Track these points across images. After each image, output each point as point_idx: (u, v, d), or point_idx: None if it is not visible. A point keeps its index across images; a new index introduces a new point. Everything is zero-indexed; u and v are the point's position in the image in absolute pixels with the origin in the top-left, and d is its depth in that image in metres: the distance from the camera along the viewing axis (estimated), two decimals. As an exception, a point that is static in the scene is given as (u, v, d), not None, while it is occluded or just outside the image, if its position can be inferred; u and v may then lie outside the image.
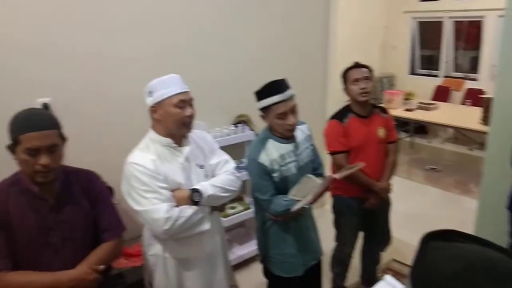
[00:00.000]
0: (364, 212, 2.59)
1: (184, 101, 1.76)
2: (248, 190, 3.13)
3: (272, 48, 3.43)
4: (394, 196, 2.70)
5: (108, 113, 2.61)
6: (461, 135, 6.21)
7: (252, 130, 3.22)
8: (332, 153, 2.51)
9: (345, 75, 2.49)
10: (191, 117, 1.79)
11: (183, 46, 2.88)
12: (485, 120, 4.53)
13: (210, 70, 3.06)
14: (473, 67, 6.51)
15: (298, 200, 1.90)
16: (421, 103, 5.73)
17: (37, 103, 2.27)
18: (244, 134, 3.20)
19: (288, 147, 1.98)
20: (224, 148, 2.11)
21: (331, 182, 1.95)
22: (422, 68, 7.28)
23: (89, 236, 1.68)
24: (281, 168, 1.96)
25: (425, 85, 6.79)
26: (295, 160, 1.99)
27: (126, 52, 2.62)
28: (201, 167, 1.89)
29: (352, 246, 2.71)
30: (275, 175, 1.96)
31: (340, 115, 2.50)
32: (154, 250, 1.89)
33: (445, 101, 6.32)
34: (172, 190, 1.76)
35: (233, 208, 3.15)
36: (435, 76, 6.97)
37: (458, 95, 6.47)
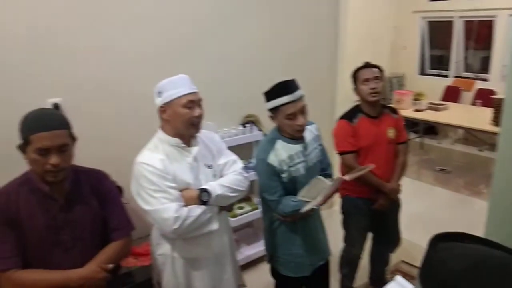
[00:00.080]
0: (373, 213, 2.57)
1: (193, 102, 1.76)
2: (256, 190, 3.13)
3: (281, 48, 3.43)
4: (403, 197, 2.68)
5: (118, 113, 2.63)
6: (471, 136, 6.16)
7: (260, 130, 3.22)
8: (341, 153, 2.50)
9: (356, 75, 2.48)
10: (199, 117, 1.80)
11: (192, 46, 2.89)
12: (496, 120, 4.49)
13: (219, 70, 3.07)
14: (484, 67, 6.45)
15: (307, 201, 1.90)
16: (431, 103, 5.68)
17: (48, 103, 2.30)
18: (252, 134, 3.20)
19: (297, 147, 1.98)
20: (232, 148, 2.12)
21: (340, 183, 1.95)
22: (432, 68, 7.23)
23: (98, 235, 1.69)
24: (289, 168, 1.95)
25: (435, 85, 6.73)
26: (303, 160, 1.99)
27: (135, 53, 2.63)
28: (209, 167, 1.90)
29: (360, 247, 2.70)
30: (283, 175, 1.95)
31: (349, 115, 2.49)
32: (163, 250, 1.90)
33: (455, 102, 6.27)
34: (181, 190, 1.77)
35: (241, 208, 3.15)
36: (445, 76, 6.92)
37: (468, 96, 6.41)
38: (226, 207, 1.95)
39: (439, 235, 0.87)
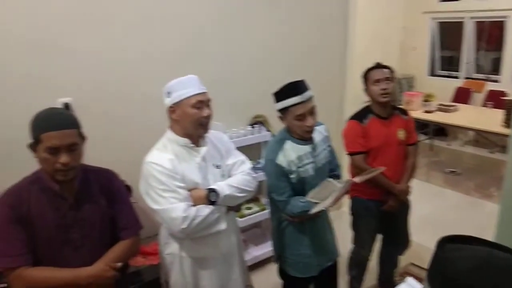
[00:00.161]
0: (382, 215, 2.56)
1: (202, 102, 1.77)
2: (264, 190, 3.13)
3: (290, 48, 3.42)
4: (412, 199, 2.66)
5: (127, 113, 2.64)
6: (482, 138, 6.10)
7: (269, 130, 3.22)
8: (351, 154, 2.48)
9: (366, 75, 2.46)
10: (208, 117, 1.80)
11: (201, 46, 2.90)
12: (507, 122, 4.45)
13: (227, 71, 3.07)
14: (495, 68, 6.39)
15: (316, 203, 1.90)
16: (441, 104, 5.63)
17: (58, 103, 2.32)
18: (261, 135, 3.20)
19: (306, 148, 1.97)
20: (241, 149, 2.12)
21: (350, 185, 1.94)
22: (442, 69, 7.17)
23: (107, 234, 1.70)
24: (298, 169, 1.95)
25: (445, 87, 6.67)
26: (312, 161, 1.98)
27: (144, 53, 2.65)
28: (218, 167, 1.90)
29: (369, 249, 2.68)
30: (292, 176, 1.95)
31: (360, 116, 2.48)
32: (171, 249, 1.91)
33: (466, 103, 6.20)
34: (189, 190, 1.77)
35: (249, 208, 3.15)
36: (456, 77, 6.86)
37: (479, 97, 6.34)
38: (234, 207, 1.95)
39: (447, 237, 0.90)
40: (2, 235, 1.52)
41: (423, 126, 5.99)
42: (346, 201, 2.75)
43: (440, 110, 5.53)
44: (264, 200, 3.25)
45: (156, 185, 1.71)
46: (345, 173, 2.55)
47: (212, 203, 1.77)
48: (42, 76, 2.31)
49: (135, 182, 1.90)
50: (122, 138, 2.63)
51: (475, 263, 0.79)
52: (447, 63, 7.09)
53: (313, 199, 1.91)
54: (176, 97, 1.75)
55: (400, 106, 2.76)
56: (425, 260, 0.96)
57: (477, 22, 6.42)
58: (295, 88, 1.87)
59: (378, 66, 2.45)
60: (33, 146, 1.50)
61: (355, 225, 2.68)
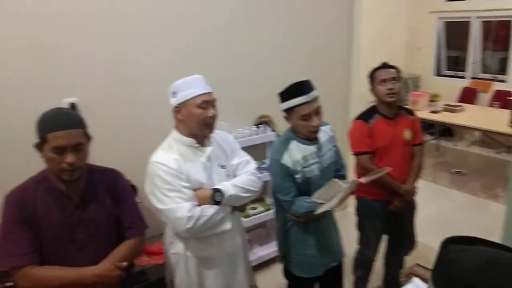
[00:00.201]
0: (388, 215, 2.55)
1: (207, 102, 1.77)
2: (269, 190, 3.13)
3: (295, 48, 3.42)
4: (418, 200, 2.65)
5: (133, 113, 2.65)
6: (488, 138, 6.06)
7: (274, 131, 3.22)
8: (357, 154, 2.48)
9: (373, 75, 2.46)
10: (213, 117, 1.80)
11: (205, 46, 2.90)
12: (514, 122, 4.41)
13: (233, 71, 3.07)
14: (502, 68, 6.35)
15: (321, 203, 1.89)
16: (447, 105, 5.60)
17: (64, 103, 2.33)
18: (266, 135, 3.20)
19: (311, 148, 1.97)
20: (246, 149, 2.12)
21: (356, 186, 1.93)
22: (448, 69, 7.13)
23: (112, 233, 1.71)
24: (303, 169, 1.94)
25: (451, 87, 6.63)
26: (318, 161, 1.98)
27: (149, 53, 2.65)
28: (223, 167, 1.90)
29: (375, 250, 2.67)
30: (297, 176, 1.95)
31: (365, 116, 2.47)
32: (176, 249, 1.91)
33: (472, 103, 6.17)
34: (194, 190, 1.78)
35: (254, 208, 3.15)
36: (462, 77, 6.82)
37: (485, 97, 6.30)
38: (239, 208, 1.95)
39: (451, 238, 0.90)
40: (8, 234, 1.53)
41: (429, 126, 5.96)
42: (352, 202, 2.74)
43: (446, 110, 5.50)
44: (269, 200, 3.25)
45: (161, 185, 1.72)
46: (351, 173, 2.54)
47: (217, 203, 1.77)
48: (48, 76, 2.32)
49: (141, 182, 1.90)
50: (128, 138, 2.64)
51: (480, 263, 0.79)
52: (453, 63, 7.05)
53: (318, 199, 1.91)
54: (181, 97, 1.76)
55: (406, 106, 2.74)
56: (431, 261, 0.96)
57: (484, 21, 6.39)
58: (301, 88, 1.86)
59: (385, 66, 2.44)
60: (39, 146, 1.51)
61: (361, 226, 2.67)
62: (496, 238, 0.90)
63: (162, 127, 1.94)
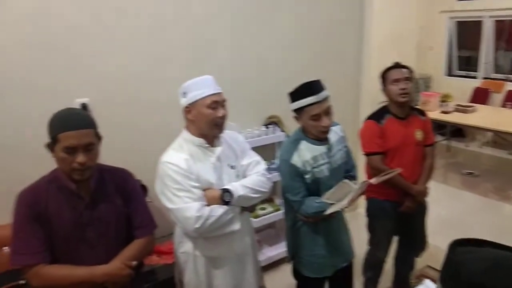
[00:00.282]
0: (399, 216, 2.52)
1: (217, 102, 1.77)
2: (278, 191, 3.13)
3: (304, 48, 3.41)
4: (429, 201, 2.62)
5: (143, 113, 2.66)
6: (501, 139, 5.98)
7: (283, 131, 3.21)
8: (368, 154, 2.46)
9: (385, 75, 2.44)
10: (223, 118, 1.81)
11: (215, 47, 2.91)
12: (527, 123, 4.36)
13: (242, 71, 3.07)
14: (515, 68, 6.27)
15: (331, 204, 1.89)
16: (458, 105, 5.54)
17: (76, 103, 2.35)
18: (275, 135, 3.20)
19: (321, 148, 1.96)
20: (255, 149, 2.12)
21: (366, 187, 1.92)
22: (460, 69, 7.06)
23: (122, 232, 1.72)
24: (313, 169, 1.94)
25: (463, 87, 6.57)
26: (327, 162, 1.97)
27: (159, 53, 2.67)
28: (233, 167, 1.90)
29: (386, 251, 2.65)
30: (307, 176, 1.94)
31: (377, 116, 2.46)
32: (185, 248, 1.92)
33: (484, 104, 6.10)
34: (204, 190, 1.78)
35: (263, 209, 3.15)
36: (474, 77, 6.74)
37: (498, 97, 6.23)
38: (248, 208, 1.95)
39: (458, 240, 0.92)
40: (20, 233, 1.54)
41: (440, 127, 5.90)
42: (362, 202, 2.72)
43: (457, 110, 5.43)
44: (278, 200, 3.25)
45: (171, 185, 1.73)
46: (361, 174, 2.53)
47: (226, 203, 1.77)
48: (60, 77, 2.34)
49: (151, 181, 1.91)
50: (138, 138, 2.65)
51: (487, 264, 0.80)
52: (465, 63, 6.98)
53: (328, 200, 1.90)
54: (191, 97, 1.76)
55: (417, 107, 2.72)
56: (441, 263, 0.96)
57: (496, 21, 6.31)
58: (311, 88, 1.86)
59: (397, 65, 2.42)
60: (51, 146, 1.52)
61: (371, 227, 2.66)
62: (508, 240, 0.90)
63: (172, 127, 1.94)
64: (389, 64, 2.47)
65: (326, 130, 1.91)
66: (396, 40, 5.97)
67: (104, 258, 1.62)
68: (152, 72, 2.65)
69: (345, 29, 3.68)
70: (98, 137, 1.61)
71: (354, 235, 2.28)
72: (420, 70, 6.76)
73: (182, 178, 1.72)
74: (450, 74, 7.08)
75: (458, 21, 6.76)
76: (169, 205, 1.74)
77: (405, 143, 2.42)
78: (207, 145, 1.83)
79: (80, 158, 1.50)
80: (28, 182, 1.62)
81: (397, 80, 2.36)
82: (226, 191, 1.78)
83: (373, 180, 1.93)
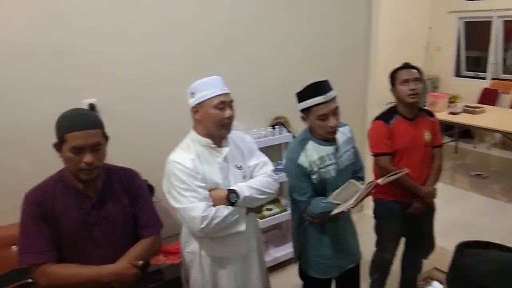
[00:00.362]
0: (407, 217, 2.50)
1: (224, 103, 1.77)
2: (284, 192, 3.12)
3: (311, 49, 3.40)
4: (437, 203, 2.60)
5: (150, 113, 2.67)
6: (509, 140, 5.92)
7: (290, 132, 3.21)
8: (376, 155, 2.45)
9: (394, 75, 2.42)
10: (230, 118, 1.81)
11: (222, 47, 2.91)
12: (537, 124, 4.31)
13: (248, 71, 3.08)
14: (525, 69, 6.21)
15: (337, 204, 1.88)
16: (466, 106, 5.48)
17: (83, 103, 2.36)
18: (282, 136, 3.19)
19: (328, 149, 1.95)
20: (261, 150, 2.11)
21: (373, 187, 1.91)
22: (468, 70, 7.00)
23: (129, 232, 1.72)
24: (320, 170, 1.93)
25: (471, 88, 6.51)
26: (334, 162, 1.96)
27: (166, 54, 2.67)
28: (240, 168, 1.90)
29: (393, 253, 2.63)
30: (313, 177, 1.93)
31: (386, 116, 2.44)
32: (191, 247, 1.92)
33: (493, 105, 6.04)
34: (210, 190, 1.78)
35: (269, 209, 3.15)
36: (482, 78, 6.68)
37: (507, 98, 6.16)
38: (255, 209, 1.95)
39: (465, 242, 0.91)
40: (27, 232, 1.56)
41: (448, 128, 5.86)
42: (369, 204, 2.71)
43: (465, 111, 5.38)
44: (284, 201, 3.24)
45: (177, 184, 1.73)
46: (369, 175, 2.52)
47: (232, 204, 1.78)
48: (68, 78, 2.36)
49: (157, 181, 1.92)
50: (145, 138, 2.66)
51: (494, 267, 0.79)
52: (474, 63, 6.92)
53: (335, 200, 1.89)
54: (199, 97, 1.77)
55: (425, 108, 2.70)
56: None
57: (505, 21, 6.25)
58: (319, 88, 1.85)
59: (407, 66, 2.41)
60: (58, 146, 1.53)
61: (379, 228, 2.64)
62: (516, 242, 0.90)
63: (179, 127, 1.95)
64: (396, 65, 2.45)
65: (333, 131, 1.90)
66: (404, 41, 5.96)
67: (110, 257, 1.63)
68: (159, 72, 2.66)
69: (352, 29, 3.67)
70: (105, 137, 1.62)
71: (361, 236, 2.27)
72: (428, 70, 6.73)
73: (188, 177, 1.73)
74: (458, 74, 7.03)
75: (467, 22, 6.70)
76: (175, 204, 1.75)
77: (413, 144, 2.40)
78: (214, 145, 1.83)
79: (87, 158, 1.51)
80: (36, 182, 1.63)
81: (407, 81, 2.35)
82: (232, 191, 1.78)
83: (380, 181, 1.92)
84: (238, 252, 1.93)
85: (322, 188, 1.96)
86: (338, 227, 2.08)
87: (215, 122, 1.77)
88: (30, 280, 1.96)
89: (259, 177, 1.91)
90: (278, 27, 3.17)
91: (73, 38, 2.34)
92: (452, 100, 5.73)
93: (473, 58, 6.93)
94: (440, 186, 2.58)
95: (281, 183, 2.46)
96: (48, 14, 2.25)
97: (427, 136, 2.44)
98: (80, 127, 1.50)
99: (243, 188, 1.81)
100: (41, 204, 1.56)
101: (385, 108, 2.53)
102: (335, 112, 1.87)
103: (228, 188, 1.80)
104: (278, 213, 3.15)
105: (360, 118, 3.82)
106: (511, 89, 6.17)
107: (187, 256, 1.96)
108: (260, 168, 1.96)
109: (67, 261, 1.59)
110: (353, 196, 1.85)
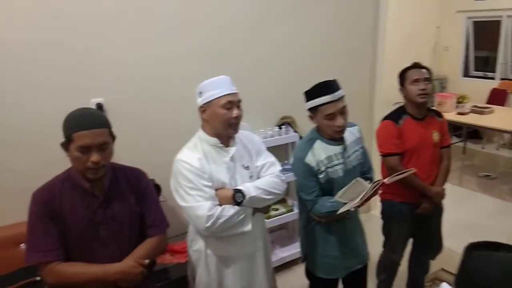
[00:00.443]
0: (415, 218, 2.49)
1: (232, 102, 1.77)
2: (291, 192, 3.11)
3: (318, 49, 3.39)
4: (445, 203, 2.58)
5: (157, 112, 2.68)
6: (519, 141, 5.88)
7: (296, 131, 3.20)
8: (385, 155, 2.43)
9: (404, 75, 2.41)
10: (237, 118, 1.80)
11: (229, 47, 2.91)
12: (546, 125, 4.27)
13: (255, 71, 3.07)
14: (534, 69, 6.15)
15: (344, 203, 1.87)
16: (475, 106, 5.43)
17: (91, 103, 2.38)
18: (288, 136, 3.18)
19: (336, 149, 1.94)
20: (268, 150, 2.11)
21: (380, 186, 1.90)
22: (477, 70, 6.94)
23: (135, 231, 1.73)
24: (327, 169, 1.92)
25: (480, 88, 6.46)
26: (342, 162, 1.95)
27: (174, 54, 2.68)
28: (247, 168, 1.90)
29: (401, 254, 2.61)
30: (320, 176, 1.92)
31: (395, 116, 2.43)
32: (197, 246, 1.93)
33: (502, 105, 5.99)
34: (216, 189, 1.78)
35: (275, 209, 3.14)
36: (491, 78, 6.63)
37: (516, 99, 6.12)
38: (262, 209, 1.94)
39: (474, 244, 0.90)
40: (35, 230, 1.56)
41: (456, 128, 5.82)
42: (376, 204, 2.70)
43: (474, 112, 5.33)
44: (291, 201, 3.23)
45: (184, 183, 1.74)
46: (378, 175, 2.50)
47: (238, 203, 1.77)
48: (76, 78, 2.37)
49: (164, 181, 1.93)
50: (152, 138, 2.67)
51: (503, 269, 0.78)
52: (482, 63, 6.86)
53: (341, 198, 1.88)
54: (207, 97, 1.77)
55: (433, 108, 2.68)
56: (456, 266, 0.94)
57: (515, 20, 6.20)
58: (326, 87, 1.85)
59: (417, 66, 2.39)
60: (65, 145, 1.54)
61: (387, 229, 2.62)
62: (525, 244, 0.89)
63: (186, 128, 1.95)
64: (404, 65, 2.44)
65: (340, 130, 1.89)
66: (412, 40, 5.93)
67: (117, 256, 1.63)
68: (167, 72, 2.67)
69: (359, 29, 3.65)
70: (112, 137, 1.62)
71: (368, 236, 2.26)
72: (436, 70, 6.68)
73: (194, 176, 1.73)
74: (466, 75, 6.98)
75: (476, 21, 6.65)
76: (182, 203, 1.75)
77: (423, 144, 2.39)
78: (221, 145, 1.83)
79: (94, 157, 1.51)
80: (44, 181, 1.64)
81: (416, 80, 2.33)
82: (238, 191, 1.78)
83: (386, 180, 1.91)
84: (243, 252, 1.93)
85: (329, 187, 1.96)
86: (346, 227, 2.07)
87: (222, 122, 1.77)
88: (38, 278, 1.98)
89: (266, 177, 1.91)
90: (285, 28, 3.17)
91: (81, 38, 2.35)
92: (460, 100, 5.68)
93: (481, 58, 6.88)
94: (448, 187, 2.56)
95: (287, 183, 2.46)
96: (57, 14, 2.26)
97: (435, 136, 2.42)
98: (87, 127, 1.50)
99: (250, 188, 1.81)
100: (48, 203, 1.56)
101: (392, 108, 2.51)
102: (342, 112, 1.87)
103: (235, 188, 1.80)
104: (284, 213, 3.14)
105: (367, 118, 3.81)
106: (520, 90, 6.11)
107: (193, 255, 1.96)
108: (267, 168, 1.95)
109: (74, 259, 1.60)
110: (359, 194, 1.84)
